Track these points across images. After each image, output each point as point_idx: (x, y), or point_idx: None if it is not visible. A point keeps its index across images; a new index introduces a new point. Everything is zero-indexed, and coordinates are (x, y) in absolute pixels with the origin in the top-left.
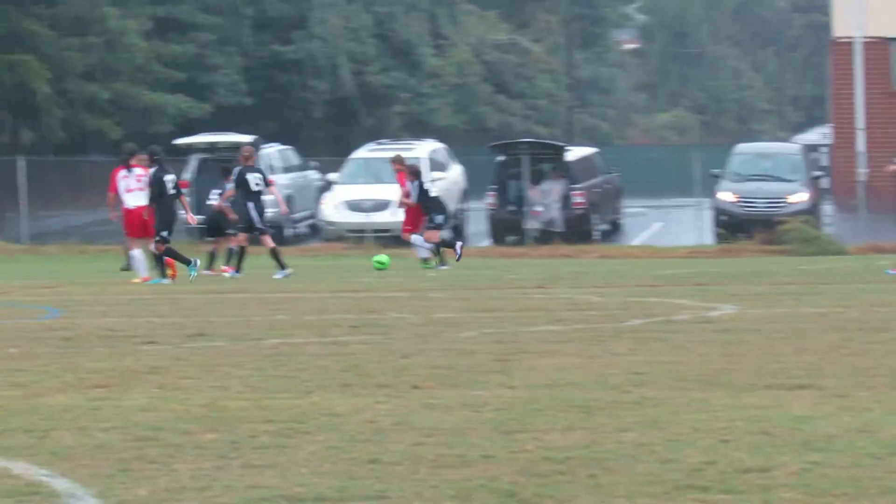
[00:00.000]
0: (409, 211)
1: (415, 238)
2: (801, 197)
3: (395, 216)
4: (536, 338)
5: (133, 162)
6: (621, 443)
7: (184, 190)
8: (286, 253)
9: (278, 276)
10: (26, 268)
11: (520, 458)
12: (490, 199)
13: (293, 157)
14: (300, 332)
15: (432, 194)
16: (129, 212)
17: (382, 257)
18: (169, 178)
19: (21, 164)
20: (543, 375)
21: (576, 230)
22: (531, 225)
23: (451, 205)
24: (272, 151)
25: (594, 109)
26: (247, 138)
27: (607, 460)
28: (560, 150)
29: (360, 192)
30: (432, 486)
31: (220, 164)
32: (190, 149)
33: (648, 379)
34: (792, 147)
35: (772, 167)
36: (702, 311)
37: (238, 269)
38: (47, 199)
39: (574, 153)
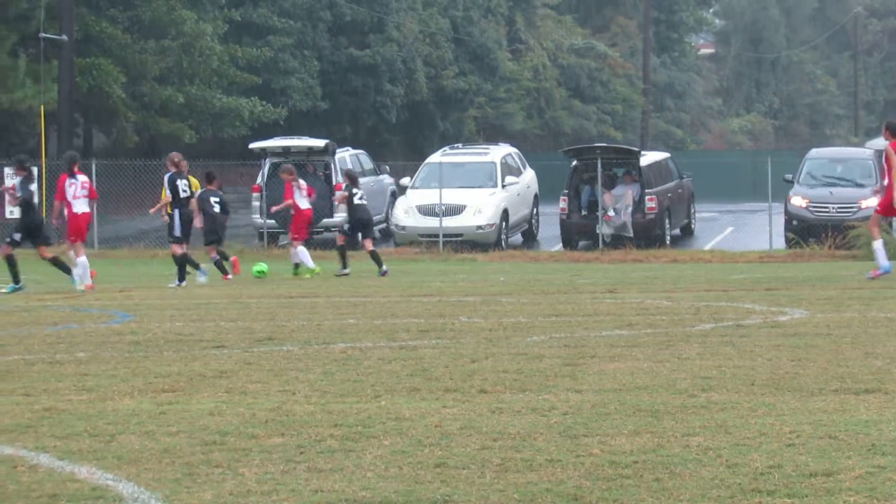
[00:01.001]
0: (296, 218)
1: (300, 249)
2: (873, 202)
3: (467, 221)
4: (605, 342)
5: (76, 169)
6: (687, 447)
7: (255, 194)
8: (357, 258)
9: (199, 279)
10: (97, 271)
11: (586, 462)
12: (562, 203)
13: (366, 162)
14: (369, 336)
15: (356, 202)
16: (74, 217)
17: (262, 266)
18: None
19: (93, 167)
20: (611, 380)
21: (647, 235)
22: (603, 230)
23: (524, 210)
24: (346, 156)
25: (669, 114)
26: (320, 143)
27: (673, 464)
28: (633, 155)
29: (432, 196)
30: (498, 489)
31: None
32: (264, 153)
33: (716, 383)
34: (865, 152)
35: (844, 172)
36: (771, 316)
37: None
38: (119, 203)
39: (647, 158)
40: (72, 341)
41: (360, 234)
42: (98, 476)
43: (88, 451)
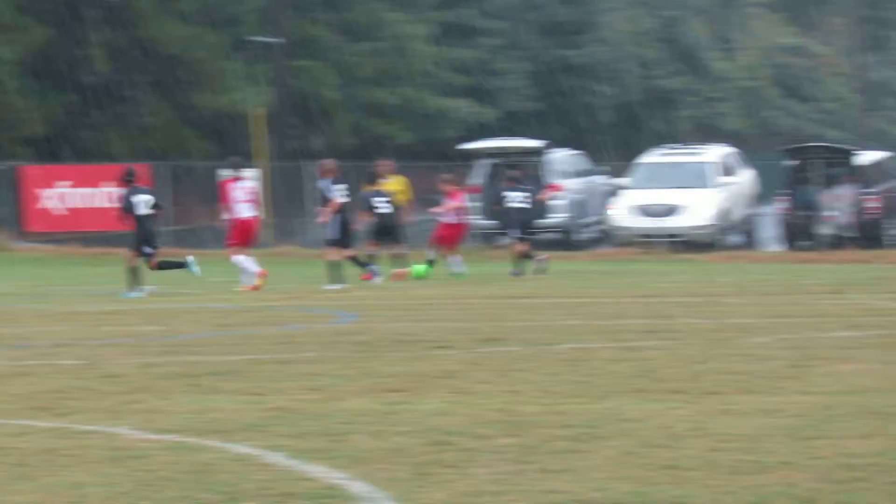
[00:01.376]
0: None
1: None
2: None
3: (684, 221)
4: (832, 343)
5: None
6: None
7: (474, 195)
8: (576, 258)
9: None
10: (318, 272)
11: (818, 465)
12: (781, 203)
13: (582, 162)
14: (594, 336)
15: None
16: (241, 222)
17: (421, 268)
18: (141, 199)
19: (307, 169)
20: (840, 381)
21: (869, 235)
22: (824, 230)
23: (743, 209)
24: (561, 156)
25: (887, 113)
26: (534, 143)
27: None
28: (851, 155)
29: (648, 196)
30: (729, 492)
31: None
32: (477, 154)
33: None
34: None
35: None
36: None
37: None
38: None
39: (868, 157)
40: (299, 341)
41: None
42: (330, 475)
43: (320, 450)
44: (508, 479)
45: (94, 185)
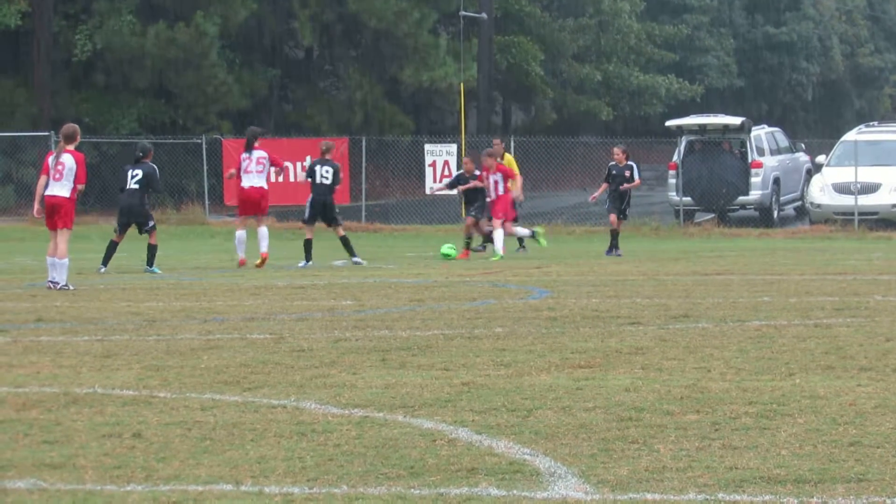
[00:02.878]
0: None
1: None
2: None
3: (883, 199)
4: None
5: (255, 145)
6: None
7: (672, 171)
8: (772, 236)
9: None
10: (514, 247)
11: None
12: None
13: (782, 139)
14: (784, 314)
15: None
16: (241, 191)
17: (448, 248)
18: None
19: (512, 144)
20: None
21: None
22: None
23: None
24: (761, 133)
25: None
26: (736, 120)
27: None
28: None
29: (848, 174)
30: None
31: (709, 145)
32: (680, 130)
33: None
34: None
35: None
36: None
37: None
38: (537, 180)
39: None
40: (490, 316)
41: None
42: (515, 450)
43: (506, 425)
44: (692, 455)
45: (293, 159)
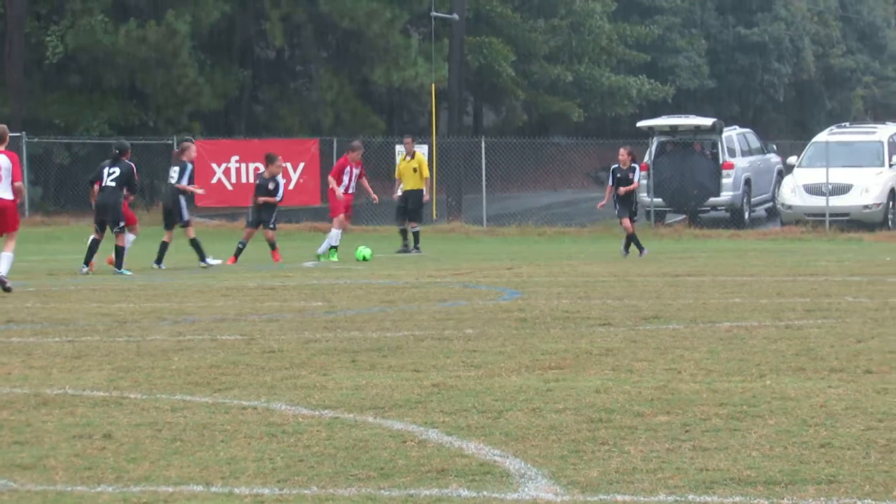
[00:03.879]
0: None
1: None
2: None
3: (854, 200)
4: None
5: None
6: None
7: (643, 172)
8: (743, 237)
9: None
10: (485, 249)
11: None
12: None
13: (753, 140)
14: (755, 315)
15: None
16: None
17: (365, 251)
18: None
19: (482, 145)
20: None
21: None
22: None
23: None
24: (732, 134)
25: None
26: (708, 121)
27: None
28: None
29: (819, 175)
30: (883, 470)
31: (681, 146)
32: (652, 131)
33: None
34: None
35: None
36: None
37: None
38: (507, 181)
39: None
40: (460, 318)
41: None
42: (486, 452)
43: (476, 426)
44: (663, 457)
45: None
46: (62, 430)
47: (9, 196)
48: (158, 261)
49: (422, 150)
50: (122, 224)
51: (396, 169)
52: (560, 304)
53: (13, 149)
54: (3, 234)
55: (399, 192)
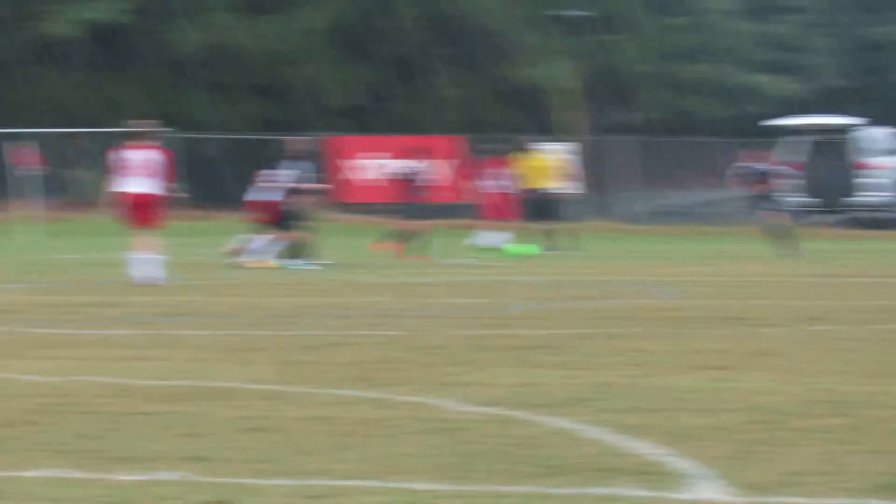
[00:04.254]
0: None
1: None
2: None
3: None
4: None
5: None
6: None
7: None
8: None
9: None
10: (643, 248)
11: None
12: None
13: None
14: None
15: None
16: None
17: (526, 248)
18: None
19: (635, 145)
20: None
21: None
22: None
23: None
24: (877, 134)
25: None
26: (846, 120)
27: None
28: None
29: None
30: None
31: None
32: (787, 131)
33: None
34: None
35: None
36: None
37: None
38: (661, 180)
39: None
40: (627, 316)
41: None
42: (656, 451)
43: (644, 425)
44: (838, 459)
45: (400, 156)
46: (234, 422)
47: (152, 191)
48: (297, 257)
49: (557, 149)
50: (293, 222)
51: (525, 167)
52: (722, 304)
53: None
54: (145, 230)
55: (530, 191)
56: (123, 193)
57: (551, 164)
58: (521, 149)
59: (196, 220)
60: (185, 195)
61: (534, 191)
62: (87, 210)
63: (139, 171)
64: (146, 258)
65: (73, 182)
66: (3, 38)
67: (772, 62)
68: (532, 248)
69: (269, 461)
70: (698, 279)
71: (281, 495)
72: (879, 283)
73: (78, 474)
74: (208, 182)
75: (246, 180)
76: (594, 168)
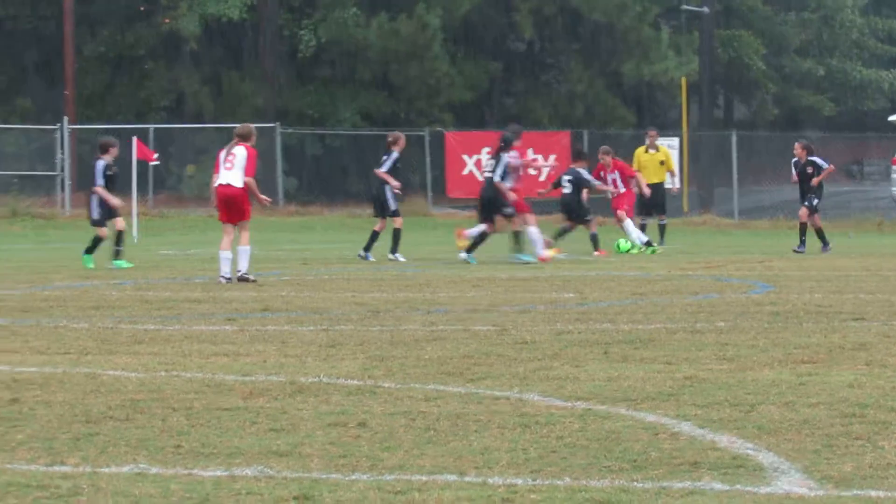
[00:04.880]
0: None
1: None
2: None
3: None
4: None
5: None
6: None
7: (895, 167)
8: None
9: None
10: (737, 242)
11: None
12: None
13: None
14: None
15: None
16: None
17: (624, 243)
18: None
19: (734, 138)
20: None
21: None
22: None
23: None
24: None
25: None
26: None
27: None
28: None
29: None
30: None
31: None
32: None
33: None
34: None
35: None
36: None
37: None
38: (758, 174)
39: None
40: (712, 311)
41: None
42: (738, 445)
43: (729, 419)
44: None
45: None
46: (317, 417)
47: (238, 184)
48: (471, 250)
49: (667, 144)
50: (508, 211)
51: (636, 162)
52: (812, 298)
53: (268, 139)
54: (236, 225)
55: (645, 187)
56: (217, 188)
57: (666, 158)
58: (643, 143)
59: (302, 216)
60: (268, 200)
61: (650, 186)
62: (182, 205)
63: (231, 166)
64: (242, 249)
65: (172, 176)
66: (131, 34)
67: (891, 57)
68: (627, 245)
69: (350, 456)
70: (787, 273)
71: (360, 490)
72: None
73: (155, 470)
74: (324, 177)
75: (362, 175)
76: (698, 163)
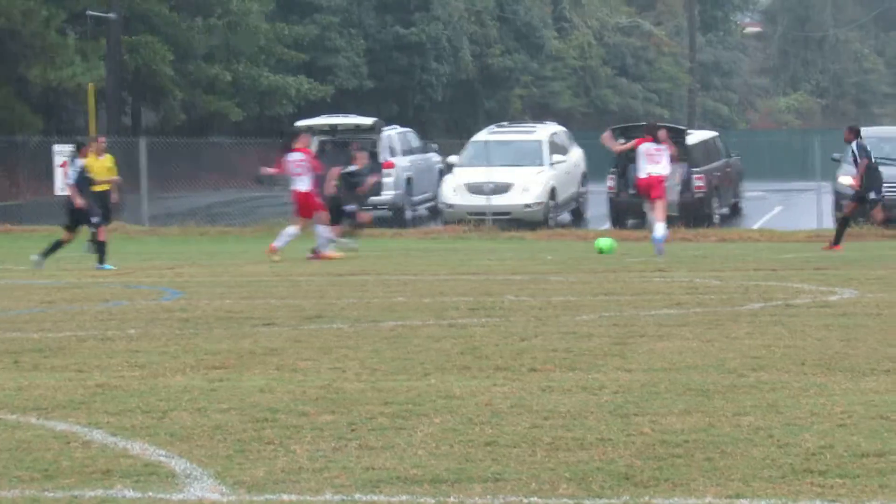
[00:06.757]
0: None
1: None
2: None
3: (514, 199)
4: (655, 321)
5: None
6: (738, 427)
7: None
8: (405, 236)
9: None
10: (146, 249)
11: (637, 442)
12: (610, 182)
13: (413, 140)
14: (418, 314)
15: None
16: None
17: (603, 242)
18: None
19: (142, 145)
20: (661, 359)
21: (695, 214)
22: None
23: (572, 188)
24: (392, 134)
25: (716, 93)
26: (367, 121)
27: (724, 444)
28: (681, 134)
29: (480, 174)
30: (549, 468)
31: (341, 146)
32: (311, 131)
33: (766, 363)
34: None
35: (893, 151)
36: (821, 296)
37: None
38: (168, 181)
39: (694, 137)
40: (122, 318)
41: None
42: (151, 452)
43: (141, 427)
44: (329, 456)
45: None
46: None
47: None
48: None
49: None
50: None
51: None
52: (223, 304)
53: None
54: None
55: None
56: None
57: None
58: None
59: None
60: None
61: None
62: None
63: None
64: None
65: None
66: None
67: (296, 63)
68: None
69: None
70: (197, 279)
71: None
72: (379, 280)
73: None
74: None
75: None
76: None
